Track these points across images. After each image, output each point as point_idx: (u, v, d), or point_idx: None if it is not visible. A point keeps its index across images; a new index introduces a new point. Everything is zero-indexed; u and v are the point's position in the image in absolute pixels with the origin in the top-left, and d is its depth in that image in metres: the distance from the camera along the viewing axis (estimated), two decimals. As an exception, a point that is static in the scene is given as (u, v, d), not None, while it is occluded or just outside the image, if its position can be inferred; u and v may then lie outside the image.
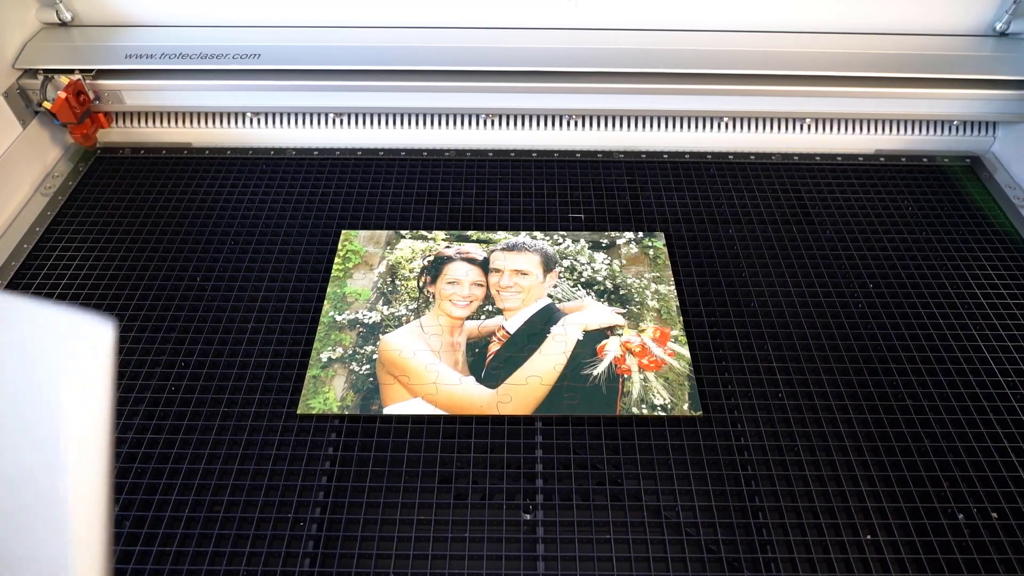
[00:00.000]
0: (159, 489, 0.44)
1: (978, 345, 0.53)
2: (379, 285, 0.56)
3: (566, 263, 0.58)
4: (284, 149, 0.71)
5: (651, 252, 0.59)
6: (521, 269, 0.57)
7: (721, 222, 0.62)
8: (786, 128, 0.73)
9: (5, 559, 0.22)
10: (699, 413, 0.48)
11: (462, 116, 0.73)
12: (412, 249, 0.59)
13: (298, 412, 0.48)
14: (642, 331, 0.52)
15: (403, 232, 0.60)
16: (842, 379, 0.51)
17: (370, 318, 0.53)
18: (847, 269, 0.59)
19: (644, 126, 0.73)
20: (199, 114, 0.73)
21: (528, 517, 0.43)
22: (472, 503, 0.44)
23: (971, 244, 0.62)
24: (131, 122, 0.73)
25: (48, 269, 0.58)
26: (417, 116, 0.73)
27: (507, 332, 0.52)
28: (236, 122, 0.73)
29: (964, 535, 0.42)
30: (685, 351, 0.51)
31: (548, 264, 0.58)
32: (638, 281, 0.56)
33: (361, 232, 0.60)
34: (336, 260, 0.57)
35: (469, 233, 0.61)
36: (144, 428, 0.47)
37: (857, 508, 0.44)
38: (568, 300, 0.55)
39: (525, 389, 0.48)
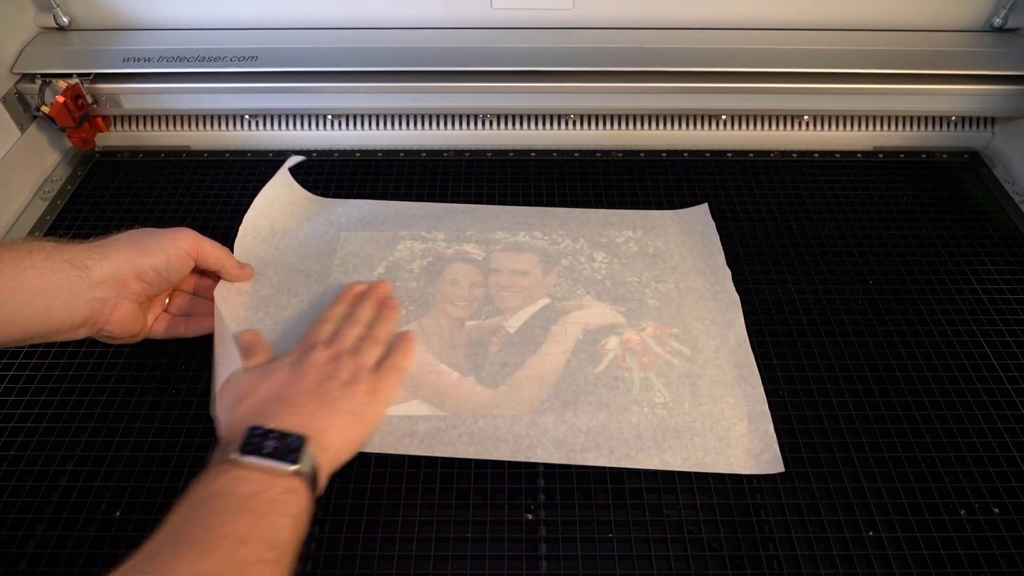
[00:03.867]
0: (160, 492, 0.44)
1: (978, 340, 0.53)
2: (379, 286, 0.56)
3: (566, 262, 0.58)
4: (283, 151, 0.71)
5: (650, 251, 0.59)
6: (521, 269, 0.57)
7: (720, 220, 0.62)
8: (784, 125, 0.73)
9: None
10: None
11: (460, 116, 0.73)
12: (411, 250, 0.59)
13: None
14: (642, 330, 0.52)
15: (402, 233, 0.60)
16: (842, 375, 0.51)
17: (370, 319, 0.53)
18: (846, 265, 0.59)
19: (642, 125, 0.73)
20: (197, 117, 0.73)
21: (530, 517, 0.43)
22: (474, 503, 0.44)
23: (970, 239, 0.62)
24: (129, 125, 0.73)
25: (48, 273, 0.57)
26: (415, 117, 0.73)
27: (507, 332, 0.52)
28: (234, 125, 0.73)
29: (966, 530, 0.42)
30: (685, 349, 0.51)
31: (548, 264, 0.58)
32: (638, 279, 0.56)
33: (360, 233, 0.60)
34: (335, 262, 0.57)
35: (468, 233, 0.61)
36: (146, 431, 0.47)
37: (859, 504, 0.44)
38: (568, 299, 0.55)
39: (525, 389, 0.48)
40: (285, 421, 0.39)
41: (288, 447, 0.37)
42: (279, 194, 0.60)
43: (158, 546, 0.32)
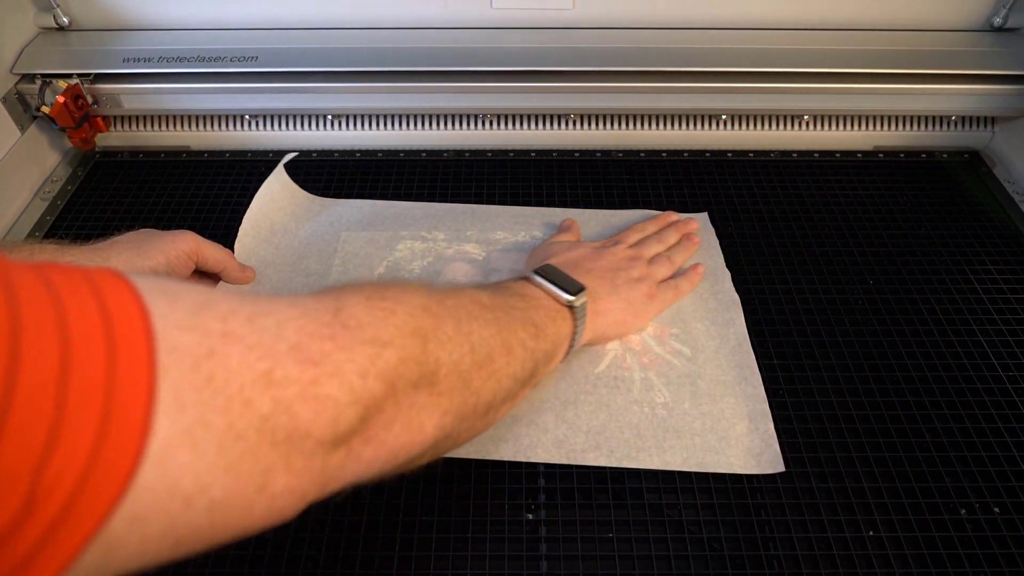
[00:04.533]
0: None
1: (978, 340, 0.53)
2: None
3: (566, 262, 0.58)
4: (283, 151, 0.71)
5: (651, 250, 0.59)
6: (521, 269, 0.57)
7: (720, 220, 0.62)
8: (784, 125, 0.73)
9: None
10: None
11: (460, 116, 0.73)
12: (411, 250, 0.59)
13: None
14: (642, 330, 0.52)
15: (402, 233, 0.60)
16: (842, 375, 0.51)
17: (370, 319, 0.53)
18: (846, 265, 0.59)
19: (642, 125, 0.73)
20: (197, 117, 0.73)
21: (530, 517, 0.43)
22: (474, 503, 0.44)
23: (970, 239, 0.62)
24: (129, 125, 0.73)
25: (48, 274, 0.57)
26: (415, 117, 0.73)
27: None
28: (234, 125, 0.73)
29: (966, 530, 0.42)
30: (686, 349, 0.51)
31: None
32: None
33: (360, 233, 0.60)
34: (336, 262, 0.57)
35: (469, 233, 0.61)
36: (146, 432, 0.47)
37: (859, 504, 0.44)
38: None
39: (526, 389, 0.48)
40: (576, 277, 0.46)
41: (570, 286, 0.45)
42: (278, 193, 0.61)
43: (453, 288, 0.39)
